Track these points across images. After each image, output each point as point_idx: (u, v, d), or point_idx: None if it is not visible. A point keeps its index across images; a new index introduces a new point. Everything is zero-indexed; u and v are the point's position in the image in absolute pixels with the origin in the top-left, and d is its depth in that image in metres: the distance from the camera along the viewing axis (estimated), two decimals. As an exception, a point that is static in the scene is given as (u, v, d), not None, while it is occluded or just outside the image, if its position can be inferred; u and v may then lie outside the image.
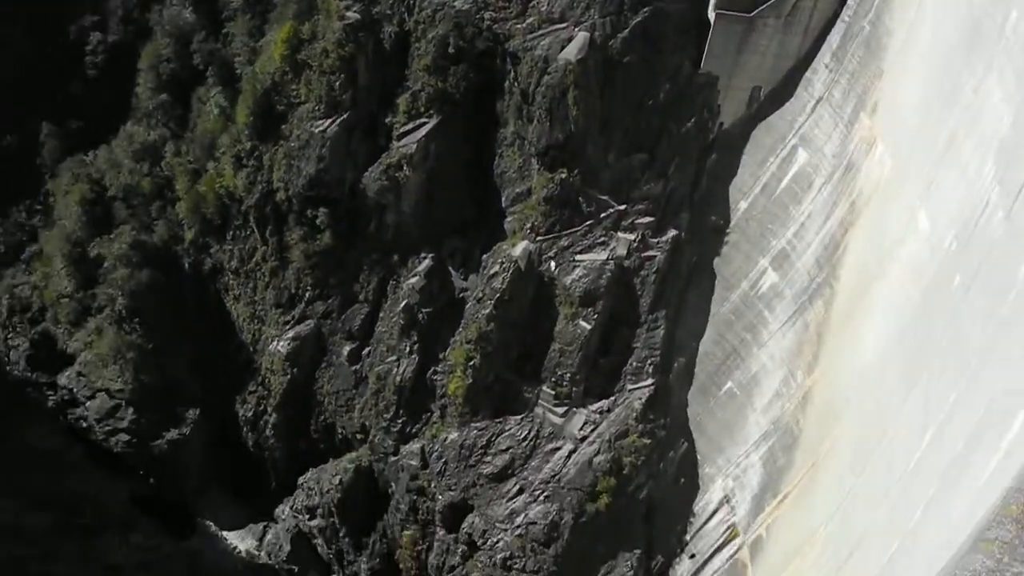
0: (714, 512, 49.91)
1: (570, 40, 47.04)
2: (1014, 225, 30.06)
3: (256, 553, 63.33)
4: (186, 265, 62.28)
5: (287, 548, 62.25)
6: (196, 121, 61.23)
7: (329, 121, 53.06)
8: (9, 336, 67.57)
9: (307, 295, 57.61)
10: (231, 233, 59.74)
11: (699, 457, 51.11)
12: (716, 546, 49.21)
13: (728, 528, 49.05)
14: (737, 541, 48.42)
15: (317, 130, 53.27)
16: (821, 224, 48.17)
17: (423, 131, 51.03)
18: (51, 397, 64.72)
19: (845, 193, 47.56)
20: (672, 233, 49.46)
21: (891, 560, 30.47)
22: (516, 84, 48.76)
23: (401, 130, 51.80)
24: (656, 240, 49.14)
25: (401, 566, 58.13)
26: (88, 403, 63.41)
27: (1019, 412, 21.62)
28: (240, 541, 64.15)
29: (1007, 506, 11.21)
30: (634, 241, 48.75)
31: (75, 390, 64.08)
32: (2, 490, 47.62)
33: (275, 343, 58.99)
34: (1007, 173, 32.35)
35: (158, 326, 62.02)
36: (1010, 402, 23.33)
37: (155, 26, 62.48)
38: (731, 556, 48.39)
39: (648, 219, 49.09)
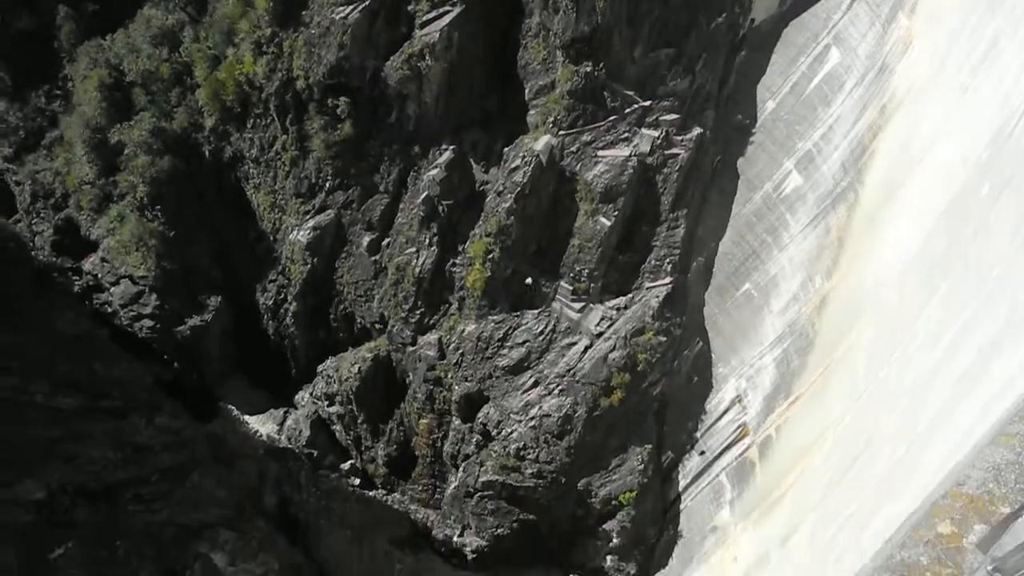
0: (726, 411, 50.72)
1: (600, -73, 45.37)
2: (1051, 134, 29.50)
3: (276, 437, 65.15)
4: (206, 153, 62.02)
5: (306, 433, 64.01)
6: (215, 6, 59.85)
7: (351, 7, 51.79)
8: (34, 222, 68.29)
9: (327, 185, 57.50)
10: (251, 121, 59.24)
11: (713, 357, 51.66)
12: (726, 444, 50.20)
13: (739, 427, 49.90)
14: (747, 440, 49.33)
15: (338, 16, 52.05)
16: (850, 127, 47.32)
17: (446, 19, 49.78)
18: (77, 282, 65.71)
19: (877, 96, 46.53)
20: (696, 131, 48.69)
21: (899, 462, 31.05)
22: (543, -28, 47.34)
23: (424, 18, 50.55)
24: (680, 138, 48.42)
25: (417, 453, 59.77)
26: (112, 289, 64.46)
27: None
28: (261, 425, 65.94)
29: (1031, 403, 11.33)
30: (658, 138, 48.06)
31: (99, 276, 65.07)
32: (34, 373, 48.52)
33: (295, 232, 59.25)
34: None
35: (179, 214, 62.28)
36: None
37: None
38: (740, 454, 49.40)
39: (673, 116, 48.24)
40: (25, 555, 39.53)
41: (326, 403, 62.28)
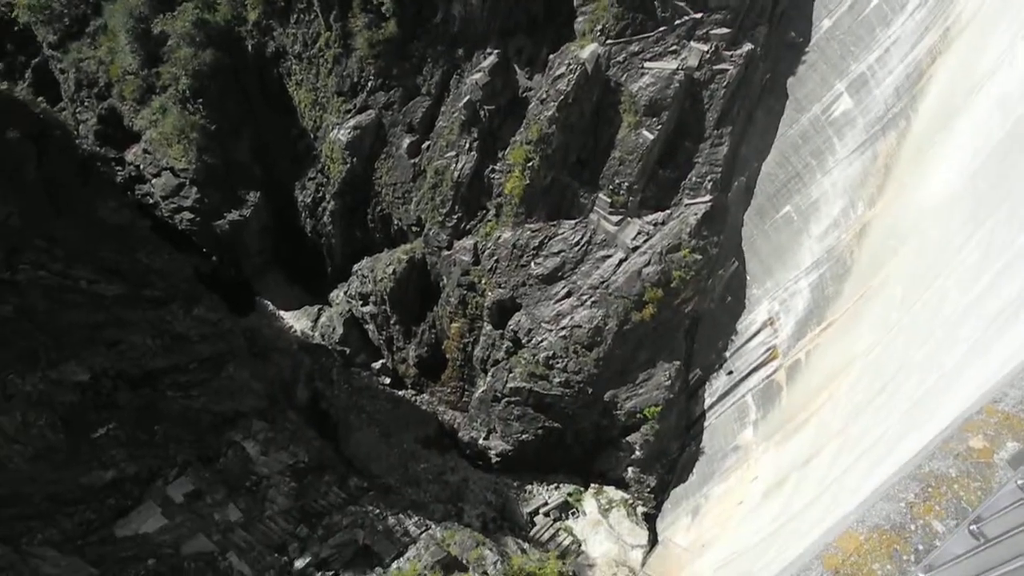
0: (756, 333, 50.81)
1: None
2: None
3: (310, 334, 66.44)
4: (249, 47, 61.54)
5: (340, 331, 65.22)
6: None
7: (402, -98, 50.62)
8: (78, 110, 68.64)
9: (369, 85, 57.05)
10: (295, 16, 58.56)
11: (748, 278, 51.50)
12: (754, 365, 50.47)
13: (768, 350, 50.06)
14: (775, 363, 49.54)
15: (388, -89, 50.93)
16: (908, 50, 45.81)
17: (498, -83, 48.54)
18: (119, 173, 66.45)
19: (940, 18, 44.87)
20: (747, 47, 47.42)
21: (925, 394, 31.10)
22: None
23: (475, -85, 49.30)
24: (730, 53, 47.22)
25: (447, 356, 60.79)
26: (154, 180, 65.05)
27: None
28: (295, 321, 67.21)
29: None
30: (707, 52, 46.91)
31: (142, 167, 65.61)
32: (79, 259, 49.61)
33: (336, 131, 59.15)
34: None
35: (221, 108, 62.21)
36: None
37: None
38: (768, 376, 49.70)
39: (724, 30, 46.94)
40: (70, 434, 41.22)
41: (360, 302, 63.20)
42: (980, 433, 11.20)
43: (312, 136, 61.75)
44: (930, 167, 43.26)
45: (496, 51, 52.01)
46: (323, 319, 66.59)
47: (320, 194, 62.88)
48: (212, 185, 63.12)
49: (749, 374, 50.88)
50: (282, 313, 67.51)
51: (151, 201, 65.55)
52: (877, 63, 47.02)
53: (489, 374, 56.73)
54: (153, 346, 49.69)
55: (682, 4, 47.01)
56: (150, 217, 64.54)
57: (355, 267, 63.35)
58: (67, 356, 43.85)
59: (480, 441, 58.74)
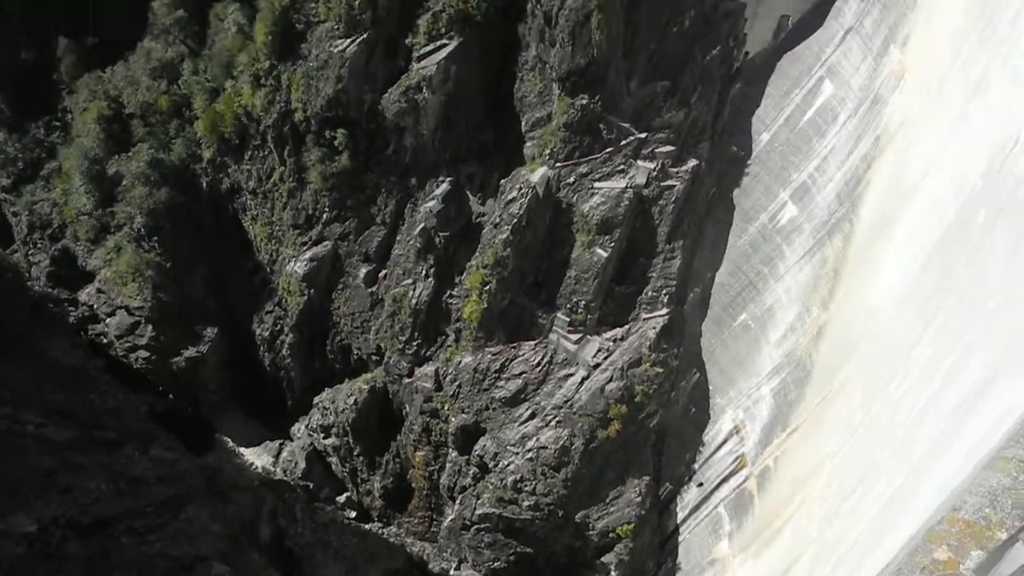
0: (723, 442, 50.57)
1: (595, -38, 45.88)
2: (1042, 162, 29.74)
3: (272, 469, 64.71)
4: (204, 184, 62.16)
5: (302, 465, 63.65)
6: (214, 39, 60.31)
7: (349, 41, 52.23)
8: (30, 252, 68.25)
9: (324, 216, 57.62)
10: (249, 153, 59.47)
11: (711, 388, 51.59)
12: (724, 475, 50.02)
13: (736, 458, 49.73)
14: (745, 471, 49.15)
15: (336, 50, 52.48)
16: (844, 158, 47.69)
17: (443, 53, 50.20)
18: (72, 313, 65.55)
19: (870, 128, 46.96)
20: (692, 163, 48.99)
21: (895, 495, 30.93)
22: (539, 6, 47.75)
23: (421, 51, 50.95)
24: (676, 169, 48.68)
25: (413, 486, 59.44)
26: (108, 319, 64.19)
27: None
28: (256, 458, 65.53)
29: (1025, 426, 11.31)
30: (654, 170, 48.31)
31: (95, 306, 64.86)
32: (29, 403, 48.46)
33: (292, 263, 59.29)
34: (1039, 109, 31.88)
35: (176, 245, 62.24)
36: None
37: (170, -60, 61.14)
38: (738, 485, 49.20)
39: (668, 148, 48.54)
40: (15, 588, 39.21)
41: (322, 435, 61.99)
42: (944, 544, 11.00)
43: (268, 270, 61.78)
44: (877, 268, 44.35)
45: (448, 179, 53.06)
46: (285, 454, 65.03)
47: (278, 327, 62.43)
48: (168, 323, 62.41)
49: (720, 484, 50.35)
50: (242, 450, 65.84)
51: (105, 341, 64.45)
52: (817, 171, 48.76)
53: (457, 501, 55.39)
54: (107, 491, 47.94)
55: (626, 125, 48.63)
56: (104, 357, 63.49)
57: (316, 399, 62.38)
58: (15, 506, 42.07)
59: (451, 572, 56.88)
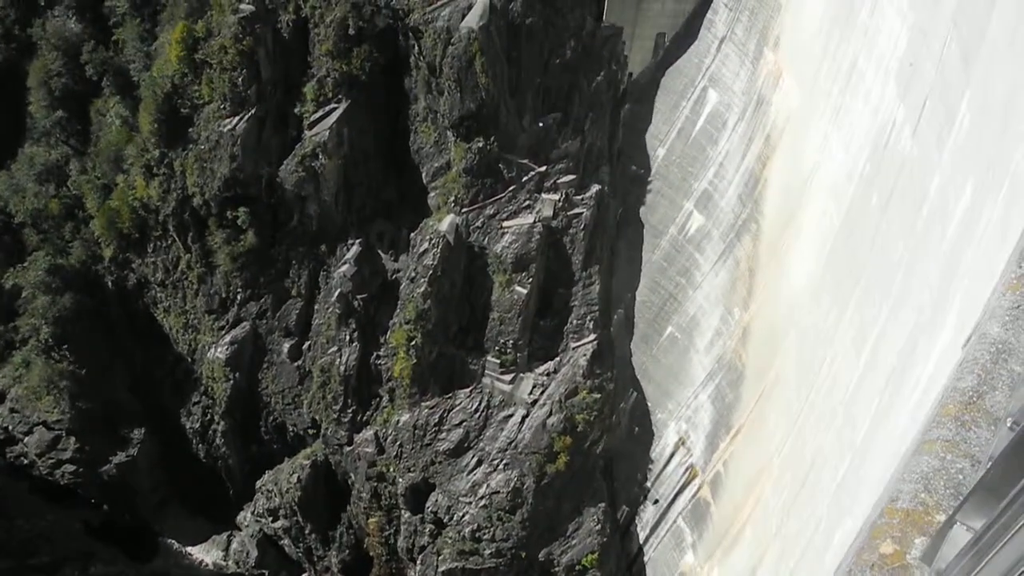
0: (671, 456, 50.83)
1: (470, 8, 46.53)
2: (921, 141, 30.95)
3: (224, 563, 62.56)
4: (109, 284, 60.55)
5: (254, 554, 61.69)
6: (98, 135, 59.22)
7: (237, 118, 51.83)
8: (-68, 381, 65.13)
9: (239, 297, 56.55)
10: (152, 245, 58.21)
11: (650, 404, 51.94)
12: (678, 488, 50.22)
13: (687, 469, 50.01)
14: (697, 481, 49.42)
15: (226, 129, 51.99)
16: (739, 161, 48.95)
17: (333, 117, 50.18)
18: (-15, 437, 62.65)
19: (759, 128, 48.36)
20: (595, 188, 49.70)
21: (845, 475, 31.40)
22: (422, 58, 48.21)
23: (311, 118, 50.86)
24: (580, 197, 49.31)
25: (371, 553, 58.12)
26: (26, 439, 61.37)
27: (946, 319, 22.34)
28: (205, 554, 63.25)
29: (944, 406, 11.55)
30: (559, 201, 48.83)
31: (10, 427, 61.98)
32: (-50, 542, 46.14)
33: (213, 350, 57.90)
34: (908, 92, 33.27)
35: (89, 350, 60.27)
36: (936, 311, 24.10)
37: (39, 40, 59.61)
38: (693, 496, 49.42)
39: (570, 177, 49.18)
40: None
41: (270, 519, 60.19)
42: (887, 537, 11.04)
43: (190, 359, 60.22)
44: (788, 261, 45.38)
45: (358, 240, 52.77)
46: (234, 545, 62.93)
47: (208, 416, 60.73)
48: (91, 431, 60.03)
49: (675, 498, 50.51)
50: (189, 549, 63.46)
51: (26, 461, 61.58)
52: (716, 177, 49.97)
53: (418, 562, 54.33)
54: (49, 621, 45.74)
55: (525, 161, 49.16)
56: (27, 478, 60.70)
57: (258, 484, 60.61)
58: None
59: (424, 635, 55.55)
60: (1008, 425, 9.36)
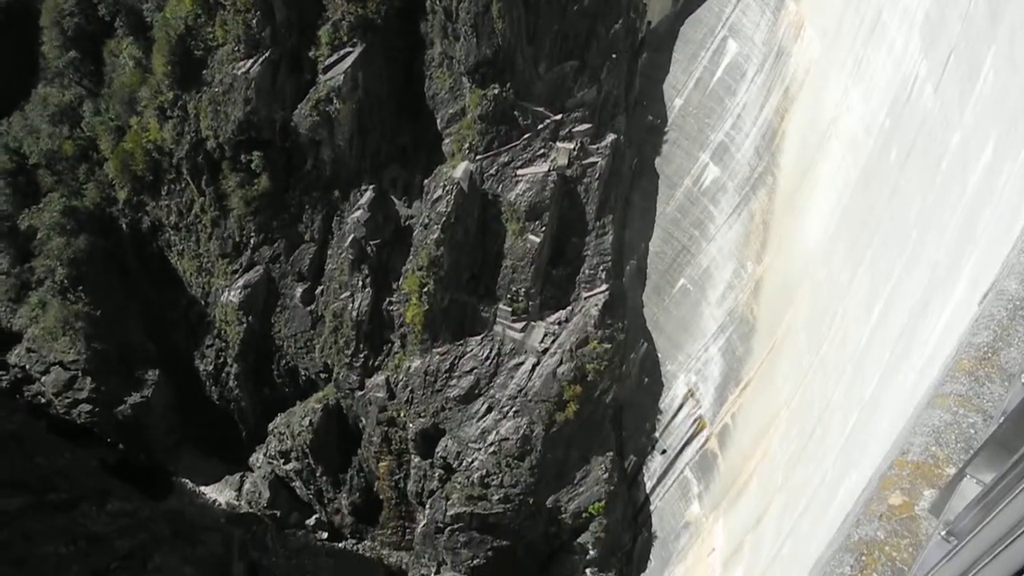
0: (680, 407, 51.12)
1: (487, -49, 45.82)
2: (943, 96, 30.52)
3: (236, 503, 63.66)
4: (123, 226, 60.76)
5: (266, 494, 62.70)
6: (112, 76, 58.86)
7: (251, 61, 51.39)
8: (-51, 322, 65.86)
9: (252, 241, 56.68)
10: (165, 188, 58.25)
11: (660, 356, 52.09)
12: (685, 439, 50.57)
13: (695, 421, 50.32)
14: (705, 432, 49.76)
15: (240, 72, 51.59)
16: (757, 113, 48.39)
17: (348, 61, 49.68)
18: (4, 377, 63.33)
19: (778, 80, 47.71)
20: (611, 137, 49.28)
21: (853, 429, 31.58)
22: (438, 3, 47.52)
23: (326, 63, 50.35)
24: (595, 146, 48.94)
25: (381, 497, 59.00)
26: (43, 378, 62.19)
27: (960, 276, 22.27)
28: (219, 494, 64.37)
29: (959, 360, 11.54)
30: (574, 149, 48.50)
31: (27, 367, 62.73)
32: (-29, 478, 46.96)
33: (226, 293, 58.24)
34: (932, 46, 32.70)
35: (104, 291, 60.76)
36: (951, 268, 24.01)
37: (52, -20, 59.33)
38: (701, 447, 49.80)
39: (585, 126, 48.74)
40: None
41: (282, 461, 61.10)
42: (896, 489, 11.13)
43: (203, 303, 60.63)
44: (803, 215, 45.15)
45: (372, 186, 52.61)
46: (247, 486, 63.96)
47: (221, 359, 61.33)
48: (106, 372, 60.78)
49: (682, 449, 50.90)
50: (203, 488, 64.58)
51: (43, 400, 62.41)
52: (733, 129, 49.46)
53: (427, 506, 55.16)
54: (67, 553, 46.69)
55: (541, 109, 48.73)
56: (44, 417, 61.50)
57: (270, 426, 61.45)
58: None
59: (432, 577, 56.69)
60: (1023, 381, 9.37)
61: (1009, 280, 12.63)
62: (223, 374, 61.81)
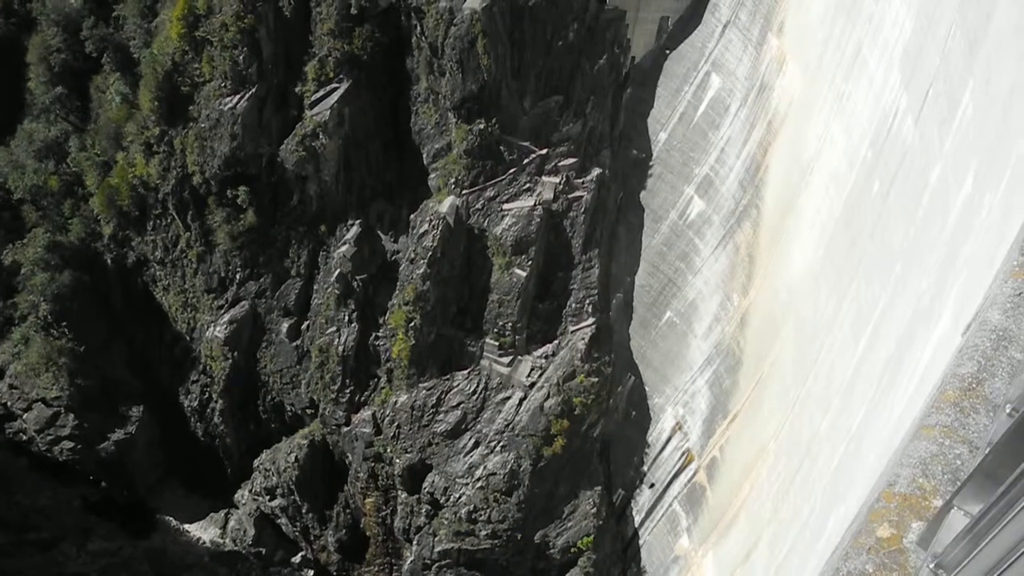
0: (668, 440, 50.96)
1: (473, -12, 46.34)
2: (923, 129, 30.90)
3: (220, 541, 62.83)
4: (108, 261, 60.50)
5: (252, 532, 61.95)
6: (98, 112, 59.02)
7: (238, 97, 51.64)
8: (-69, 356, 65.17)
9: (238, 276, 56.55)
10: (151, 223, 58.14)
11: (647, 389, 52.02)
12: (673, 473, 50.36)
13: (683, 454, 50.15)
14: (693, 465, 49.58)
15: (226, 107, 51.80)
16: (741, 147, 48.82)
17: (334, 96, 49.97)
18: (-15, 414, 62.74)
19: (761, 114, 48.21)
20: (596, 172, 49.56)
21: (840, 461, 31.54)
22: (424, 39, 47.95)
23: (312, 98, 50.64)
24: (581, 180, 49.20)
25: (368, 533, 58.38)
26: (25, 415, 61.45)
27: (944, 307, 22.39)
28: (203, 532, 63.53)
29: (943, 392, 11.57)
30: (559, 184, 48.73)
31: (9, 404, 62.02)
32: (-50, 517, 46.29)
33: (211, 329, 57.94)
34: (912, 79, 33.19)
35: (88, 327, 60.26)
36: (935, 299, 24.15)
37: (39, 16, 59.31)
38: (689, 480, 49.59)
39: (571, 160, 49.03)
40: None
41: (267, 497, 60.45)
42: (885, 521, 11.09)
43: (188, 338, 60.27)
44: (788, 248, 45.40)
45: (358, 221, 52.68)
46: (232, 523, 63.18)
47: (206, 395, 60.85)
48: (90, 408, 60.14)
49: (671, 482, 50.68)
50: (186, 526, 63.72)
51: (25, 437, 61.61)
52: (717, 163, 49.86)
53: (414, 542, 54.59)
54: (48, 595, 45.98)
55: (526, 144, 49.00)
56: (26, 454, 60.72)
57: (256, 463, 60.87)
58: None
59: (419, 615, 55.88)
60: (1007, 411, 9.38)
61: (992, 311, 12.69)
62: (208, 410, 61.29)
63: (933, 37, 31.02)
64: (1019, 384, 10.68)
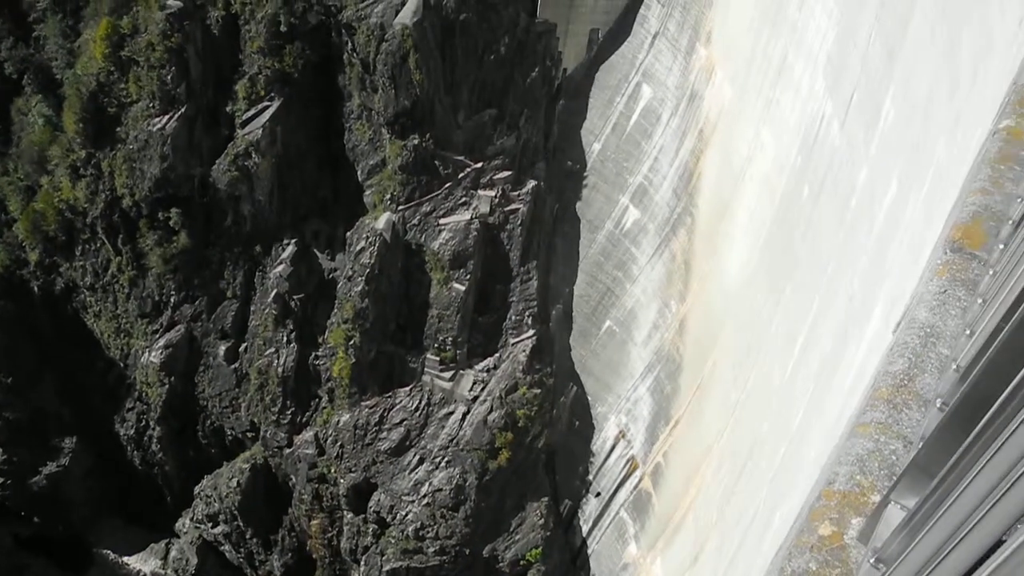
0: (612, 448, 51.23)
1: (403, 4, 46.29)
2: (849, 134, 31.72)
3: (162, 572, 61.26)
4: (35, 288, 58.71)
5: (194, 561, 60.41)
6: (20, 135, 57.34)
7: (167, 117, 50.73)
8: None
9: (172, 300, 55.38)
10: (79, 248, 56.64)
11: (590, 398, 52.28)
12: (619, 481, 50.61)
13: (628, 461, 50.45)
14: (638, 472, 49.89)
15: (155, 128, 50.85)
16: (674, 156, 49.51)
17: (266, 115, 49.48)
18: (-91, 453, 60.30)
19: (692, 122, 48.98)
20: (531, 184, 49.84)
21: (782, 462, 31.99)
22: (355, 55, 47.78)
23: (244, 117, 50.08)
24: (516, 193, 49.42)
25: (314, 556, 57.43)
26: (-49, 451, 59.45)
27: (875, 307, 22.95)
28: (143, 564, 61.86)
29: (877, 389, 11.80)
30: (495, 197, 48.87)
31: (-66, 440, 59.89)
32: None
33: (146, 354, 56.59)
34: (837, 86, 34.06)
35: (15, 358, 58.44)
36: (866, 299, 24.73)
37: (-45, 38, 57.85)
38: (635, 487, 49.88)
39: (506, 173, 49.24)
40: None
41: (210, 524, 59.07)
42: (826, 519, 11.20)
43: (122, 365, 58.78)
44: (723, 253, 46.11)
45: (294, 240, 52.10)
46: (173, 553, 61.62)
47: (143, 423, 59.36)
48: (19, 441, 58.29)
49: (616, 490, 50.91)
50: (126, 559, 61.99)
51: (-48, 475, 59.57)
52: (651, 172, 50.49)
53: (362, 563, 53.86)
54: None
55: (460, 158, 49.07)
56: (-46, 493, 58.63)
57: (196, 489, 59.42)
58: None
59: (369, 637, 55.13)
60: (938, 406, 9.62)
61: (919, 308, 12.99)
62: (145, 438, 59.79)
63: (854, 44, 31.89)
64: (947, 379, 10.99)
